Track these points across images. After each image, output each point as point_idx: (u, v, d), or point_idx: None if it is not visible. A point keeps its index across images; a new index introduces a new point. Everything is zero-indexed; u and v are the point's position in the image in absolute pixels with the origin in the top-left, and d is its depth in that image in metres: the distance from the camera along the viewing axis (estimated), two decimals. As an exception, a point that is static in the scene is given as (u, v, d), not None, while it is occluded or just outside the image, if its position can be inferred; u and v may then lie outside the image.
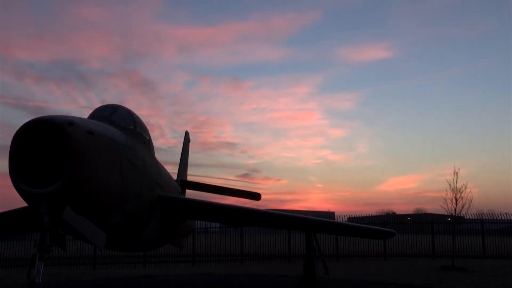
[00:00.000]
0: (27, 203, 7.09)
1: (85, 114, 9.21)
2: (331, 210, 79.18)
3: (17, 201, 7.85)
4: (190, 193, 18.96)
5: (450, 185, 22.20)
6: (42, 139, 6.85)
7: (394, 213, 71.44)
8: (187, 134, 21.84)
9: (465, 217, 26.04)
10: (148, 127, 10.66)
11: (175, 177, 17.41)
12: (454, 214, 22.32)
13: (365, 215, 36.18)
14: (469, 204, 21.95)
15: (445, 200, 22.32)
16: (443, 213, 24.88)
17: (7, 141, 6.74)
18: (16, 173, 6.78)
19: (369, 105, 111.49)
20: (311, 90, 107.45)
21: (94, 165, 7.24)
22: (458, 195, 21.91)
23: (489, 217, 30.72)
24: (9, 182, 6.86)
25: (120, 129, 9.04)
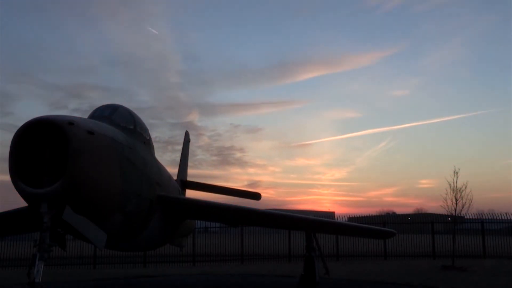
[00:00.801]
0: (27, 202, 7.09)
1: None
2: (331, 210, 79.19)
3: (17, 201, 7.86)
4: (190, 193, 18.97)
5: (450, 185, 22.23)
6: (43, 138, 6.85)
7: (394, 213, 71.37)
8: (187, 134, 21.78)
9: (465, 217, 26.02)
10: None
11: (175, 177, 17.41)
12: (454, 214, 22.32)
13: (365, 215, 36.15)
14: (469, 204, 21.99)
15: (445, 200, 22.35)
16: (443, 213, 24.89)
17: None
18: (16, 173, 6.77)
19: (358, 138, 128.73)
20: (303, 130, 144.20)
21: (94, 165, 7.23)
22: (458, 195, 21.93)
23: (489, 217, 30.71)
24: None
25: (120, 128, 9.02)
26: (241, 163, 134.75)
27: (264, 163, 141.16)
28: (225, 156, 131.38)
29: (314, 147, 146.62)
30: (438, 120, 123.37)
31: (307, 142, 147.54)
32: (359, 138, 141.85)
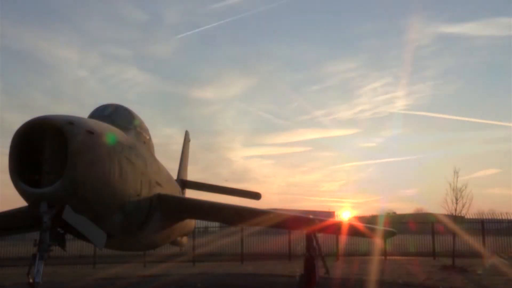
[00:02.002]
0: (27, 202, 7.07)
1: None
2: (331, 210, 79.16)
3: (17, 201, 7.86)
4: (190, 193, 18.95)
5: (450, 184, 22.25)
6: (43, 138, 6.85)
7: (394, 213, 71.33)
8: (187, 134, 21.80)
9: (466, 217, 26.03)
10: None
11: (175, 176, 17.40)
12: (454, 214, 22.33)
13: (365, 215, 36.15)
14: (470, 204, 22.01)
15: (446, 200, 22.37)
16: (444, 213, 24.91)
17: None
18: (16, 173, 6.76)
19: (347, 167, 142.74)
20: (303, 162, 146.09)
21: (94, 165, 7.22)
22: (459, 195, 21.95)
23: (490, 217, 30.71)
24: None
25: (120, 128, 9.01)
26: (252, 180, 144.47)
27: (271, 180, 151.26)
28: (241, 175, 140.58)
29: (312, 173, 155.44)
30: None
31: (305, 169, 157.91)
32: (348, 167, 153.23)
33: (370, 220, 35.88)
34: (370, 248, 29.28)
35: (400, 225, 34.20)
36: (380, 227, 21.23)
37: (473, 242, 28.08)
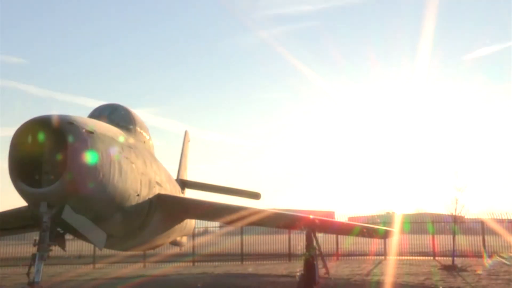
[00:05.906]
0: (27, 202, 7.08)
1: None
2: (331, 209, 79.08)
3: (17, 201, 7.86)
4: (190, 193, 18.95)
5: (450, 184, 22.23)
6: (42, 138, 6.84)
7: (393, 212, 71.16)
8: (186, 134, 21.81)
9: (465, 217, 26.01)
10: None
11: (175, 176, 17.40)
12: (454, 214, 22.32)
13: (365, 215, 36.11)
14: (470, 203, 22.00)
15: (446, 200, 22.37)
16: (444, 213, 24.91)
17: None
18: (16, 173, 6.76)
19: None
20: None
21: (94, 165, 7.22)
22: (459, 195, 21.94)
23: (490, 217, 30.65)
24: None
25: (120, 128, 9.02)
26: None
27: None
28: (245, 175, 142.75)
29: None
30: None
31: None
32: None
33: (371, 220, 35.85)
34: (370, 248, 29.24)
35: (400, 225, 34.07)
36: (379, 227, 21.25)
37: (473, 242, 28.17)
